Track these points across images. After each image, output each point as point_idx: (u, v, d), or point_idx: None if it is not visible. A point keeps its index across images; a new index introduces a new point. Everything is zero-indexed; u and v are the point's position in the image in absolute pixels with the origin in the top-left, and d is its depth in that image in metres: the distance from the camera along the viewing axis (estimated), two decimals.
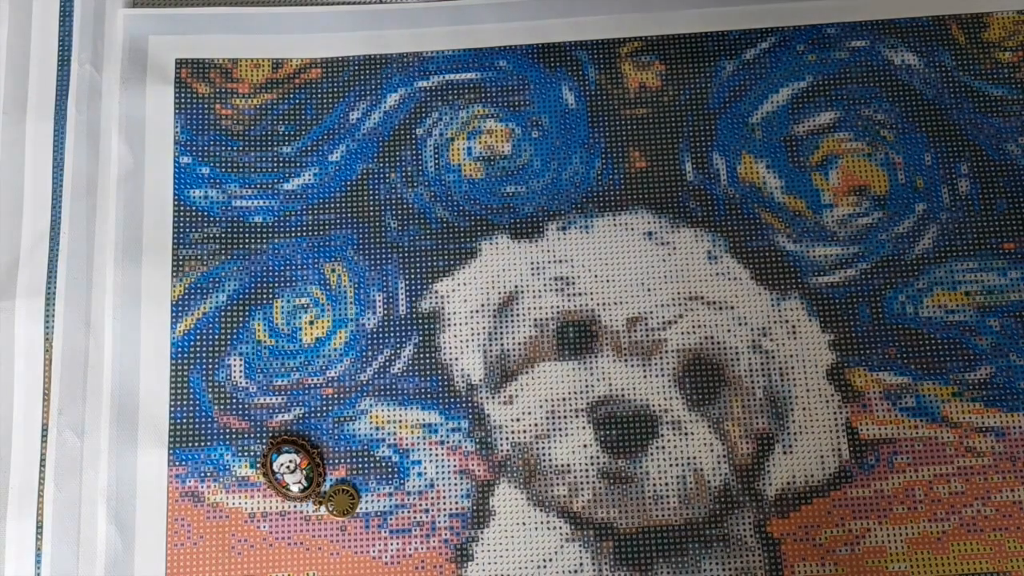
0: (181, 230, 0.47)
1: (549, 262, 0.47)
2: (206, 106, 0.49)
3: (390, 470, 0.44)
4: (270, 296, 0.47)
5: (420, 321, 0.46)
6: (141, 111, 0.49)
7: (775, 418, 0.44)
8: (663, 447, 0.44)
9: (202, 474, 0.44)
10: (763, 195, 0.47)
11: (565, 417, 0.44)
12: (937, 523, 0.43)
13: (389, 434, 0.45)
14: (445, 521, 0.44)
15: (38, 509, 0.44)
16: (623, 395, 0.44)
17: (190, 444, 0.45)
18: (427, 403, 0.45)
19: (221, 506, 0.44)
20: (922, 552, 0.43)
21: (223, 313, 0.46)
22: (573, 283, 0.46)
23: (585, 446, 0.44)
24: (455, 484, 0.44)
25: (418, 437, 0.45)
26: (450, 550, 0.44)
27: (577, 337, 0.45)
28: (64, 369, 0.45)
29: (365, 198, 0.48)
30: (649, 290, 0.46)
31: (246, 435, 0.45)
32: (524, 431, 0.45)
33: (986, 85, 0.48)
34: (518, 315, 0.46)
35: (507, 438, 0.45)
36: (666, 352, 0.45)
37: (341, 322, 0.46)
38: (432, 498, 0.44)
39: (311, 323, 0.46)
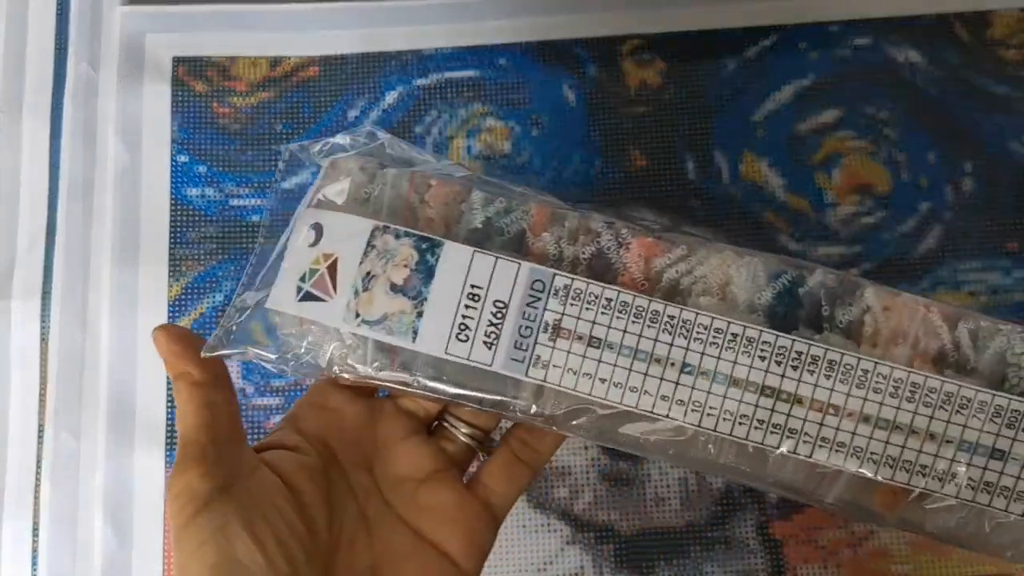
0: (178, 229, 0.47)
1: None
2: (203, 104, 0.49)
3: None
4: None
5: None
6: (138, 109, 0.48)
7: None
8: None
9: None
10: (765, 194, 0.47)
11: None
12: None
13: None
14: None
15: (34, 510, 0.44)
16: None
17: None
18: None
19: None
20: (925, 554, 0.43)
21: (220, 313, 0.46)
22: None
23: (586, 448, 0.44)
24: None
25: None
26: None
27: None
28: (60, 370, 0.45)
29: None
30: None
31: None
32: None
33: (990, 83, 0.47)
34: None
35: None
36: None
37: None
38: None
39: None
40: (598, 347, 0.26)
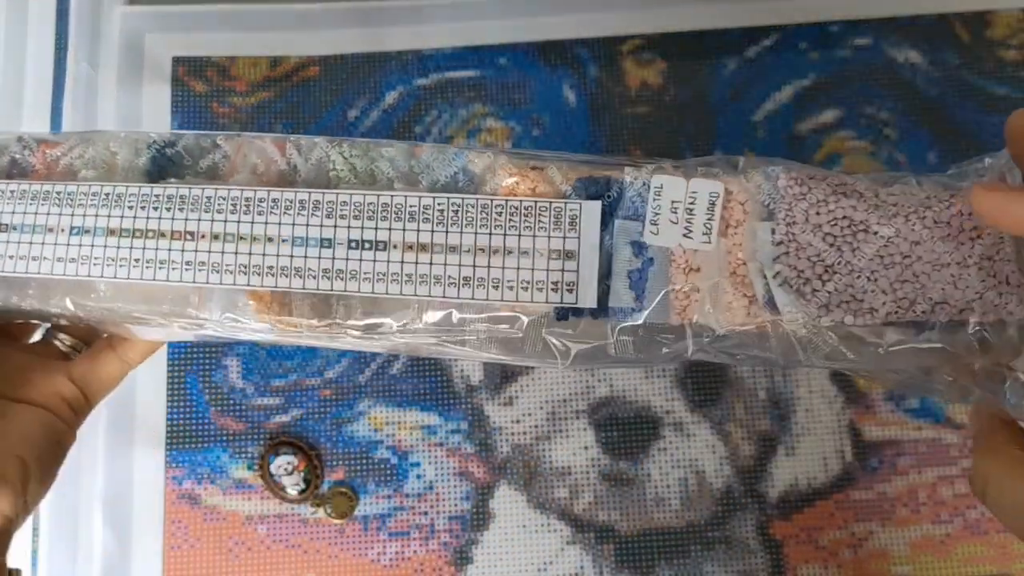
0: None
1: None
2: (203, 104, 0.49)
3: (389, 472, 0.44)
4: None
5: None
6: (138, 109, 0.48)
7: (778, 419, 0.44)
8: (665, 449, 0.44)
9: (199, 476, 0.44)
10: None
11: (566, 419, 0.44)
12: (941, 525, 0.43)
13: (388, 436, 0.44)
14: (444, 524, 0.43)
15: (35, 513, 0.44)
16: (624, 396, 0.44)
17: (187, 446, 0.44)
18: (426, 404, 0.45)
19: (218, 508, 0.44)
20: (925, 555, 0.43)
21: None
22: None
23: (586, 448, 0.44)
24: (455, 486, 0.44)
25: (417, 439, 0.44)
26: (449, 553, 0.43)
27: None
28: None
29: None
30: None
31: (243, 437, 0.44)
32: (524, 433, 0.44)
33: (990, 83, 0.47)
34: None
35: (507, 440, 0.44)
36: None
37: None
38: (431, 500, 0.44)
39: None
40: (6, 231, 0.32)
